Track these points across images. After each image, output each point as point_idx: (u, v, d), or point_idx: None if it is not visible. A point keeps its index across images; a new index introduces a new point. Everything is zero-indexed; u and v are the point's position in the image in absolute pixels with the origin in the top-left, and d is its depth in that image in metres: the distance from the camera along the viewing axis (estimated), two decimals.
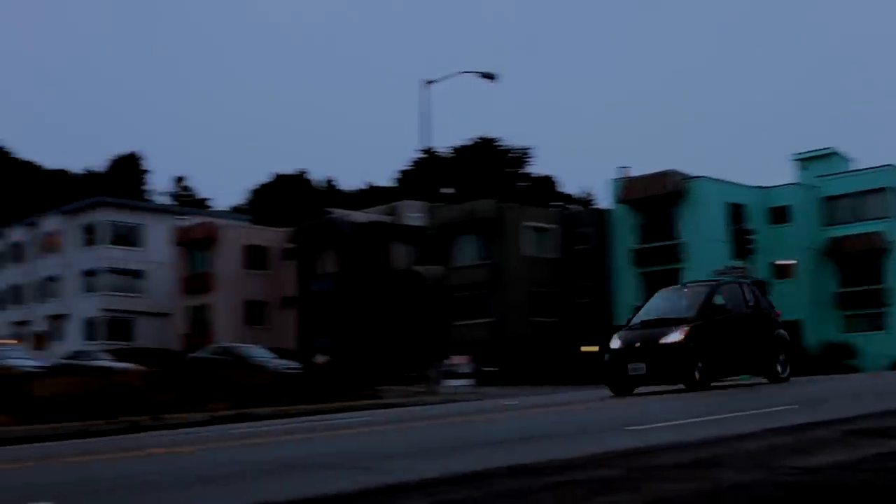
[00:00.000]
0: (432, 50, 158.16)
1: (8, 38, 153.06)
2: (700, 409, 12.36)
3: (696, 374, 17.73)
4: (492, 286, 61.32)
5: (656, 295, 20.45)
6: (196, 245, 70.22)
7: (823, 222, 60.61)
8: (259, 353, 39.20)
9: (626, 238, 59.89)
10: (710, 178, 58.74)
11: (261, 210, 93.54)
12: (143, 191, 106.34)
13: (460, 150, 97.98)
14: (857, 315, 58.58)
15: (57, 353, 58.05)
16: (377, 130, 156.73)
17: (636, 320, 19.22)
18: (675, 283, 28.63)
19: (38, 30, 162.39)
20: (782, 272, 58.80)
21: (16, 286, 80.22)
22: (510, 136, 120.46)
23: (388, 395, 29.15)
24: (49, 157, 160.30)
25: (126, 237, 73.54)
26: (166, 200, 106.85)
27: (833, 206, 60.63)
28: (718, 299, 18.75)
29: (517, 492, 5.63)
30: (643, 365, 17.90)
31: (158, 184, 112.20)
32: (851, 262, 59.34)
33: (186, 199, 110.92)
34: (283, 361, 37.63)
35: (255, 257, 70.36)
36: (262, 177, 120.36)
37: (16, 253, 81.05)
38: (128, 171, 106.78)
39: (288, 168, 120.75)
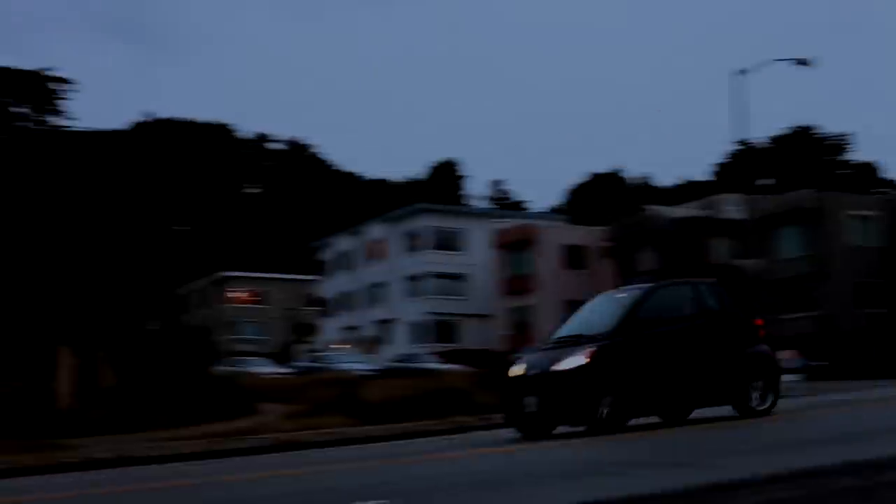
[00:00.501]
0: (743, 39, 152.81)
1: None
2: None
3: (603, 412, 13.38)
4: (815, 278, 58.47)
5: (592, 300, 15.85)
6: (515, 247, 71.32)
7: None
8: None
9: None
10: None
11: (578, 209, 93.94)
12: (461, 196, 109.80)
13: (777, 140, 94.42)
14: None
15: (386, 356, 60.74)
16: (690, 125, 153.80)
17: (554, 336, 15.11)
18: None
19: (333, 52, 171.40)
20: None
21: (345, 293, 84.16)
22: (827, 123, 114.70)
23: None
24: (368, 167, 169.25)
25: (447, 242, 75.56)
26: (484, 204, 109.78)
27: None
28: (649, 308, 14.21)
29: (855, 490, 5.15)
30: (535, 399, 13.79)
31: (475, 189, 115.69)
32: None
33: (504, 203, 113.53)
34: None
35: (573, 257, 70.49)
36: (578, 177, 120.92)
37: (344, 261, 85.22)
38: (445, 177, 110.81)
39: (603, 167, 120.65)
